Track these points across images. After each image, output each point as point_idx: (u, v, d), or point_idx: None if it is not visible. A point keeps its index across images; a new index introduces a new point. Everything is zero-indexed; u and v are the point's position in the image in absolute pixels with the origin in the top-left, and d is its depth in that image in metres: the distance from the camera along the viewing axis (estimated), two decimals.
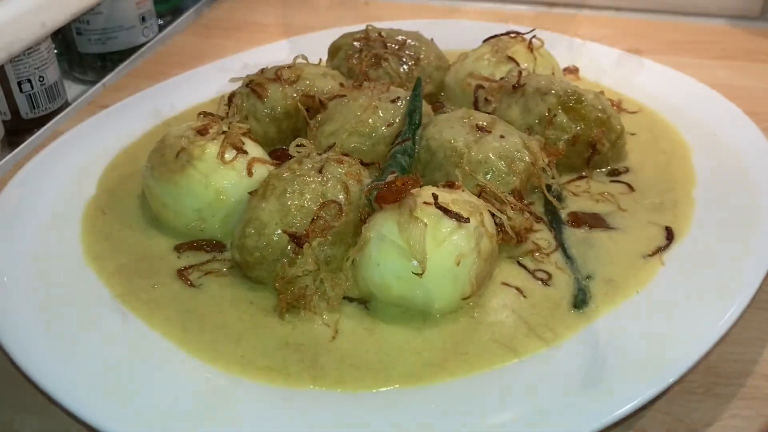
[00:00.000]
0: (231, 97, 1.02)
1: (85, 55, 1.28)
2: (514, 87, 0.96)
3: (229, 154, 0.84)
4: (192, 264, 0.81)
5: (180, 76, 1.16)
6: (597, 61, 1.21)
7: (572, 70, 1.19)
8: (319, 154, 0.83)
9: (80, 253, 0.83)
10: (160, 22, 1.43)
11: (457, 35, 1.22)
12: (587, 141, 0.91)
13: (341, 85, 1.03)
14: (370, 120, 0.93)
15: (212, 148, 0.84)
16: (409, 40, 1.11)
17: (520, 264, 0.79)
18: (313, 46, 1.15)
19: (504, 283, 0.77)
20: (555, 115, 0.91)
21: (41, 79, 1.10)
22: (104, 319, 0.73)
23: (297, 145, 0.84)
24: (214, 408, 0.63)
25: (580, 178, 0.93)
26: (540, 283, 0.77)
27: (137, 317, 0.74)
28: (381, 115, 0.93)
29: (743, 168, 0.91)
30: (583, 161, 0.92)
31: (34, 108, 1.11)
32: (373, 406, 0.64)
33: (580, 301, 0.74)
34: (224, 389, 0.66)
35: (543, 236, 0.83)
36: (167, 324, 0.73)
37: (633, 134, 1.02)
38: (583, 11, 1.55)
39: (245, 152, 0.85)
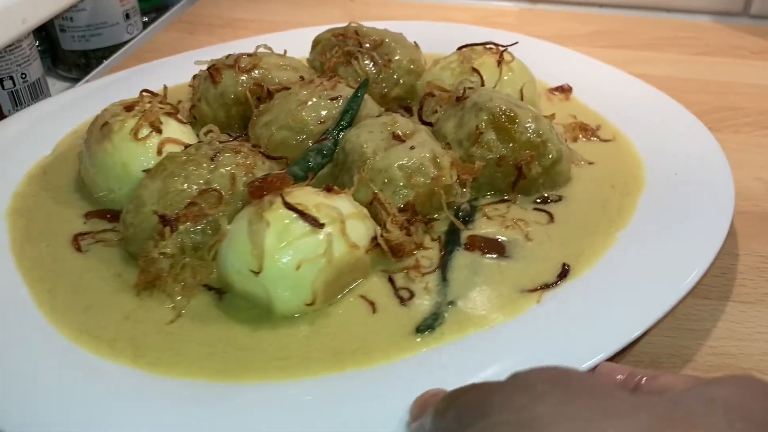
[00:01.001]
0: (194, 78, 1.06)
1: (69, 52, 1.30)
2: (457, 99, 0.92)
3: (143, 132, 0.87)
4: (90, 231, 0.85)
5: (155, 62, 1.21)
6: (588, 78, 1.14)
7: (565, 89, 1.12)
8: (222, 142, 0.84)
9: (4, 208, 0.89)
10: (145, 19, 1.46)
11: (449, 39, 1.18)
12: (514, 163, 0.86)
13: (301, 78, 1.03)
14: (303, 114, 0.92)
15: (130, 124, 0.87)
16: (387, 40, 1.09)
17: (390, 279, 0.76)
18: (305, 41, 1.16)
19: (362, 296, 0.74)
20: (482, 133, 0.86)
21: (23, 76, 1.11)
22: None
23: (206, 132, 0.86)
24: (29, 363, 0.66)
25: (503, 201, 0.87)
26: (398, 301, 0.74)
27: (18, 270, 0.79)
28: (315, 111, 0.93)
29: (688, 214, 0.82)
30: (508, 184, 0.87)
31: (17, 105, 1.13)
32: (168, 392, 0.64)
33: (426, 326, 0.70)
34: (52, 348, 0.69)
35: (431, 255, 0.80)
36: (40, 282, 0.77)
37: (591, 163, 0.95)
38: (567, 8, 1.57)
39: (160, 132, 0.88)
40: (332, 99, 0.94)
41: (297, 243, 0.69)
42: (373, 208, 0.79)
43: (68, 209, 0.89)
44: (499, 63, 1.01)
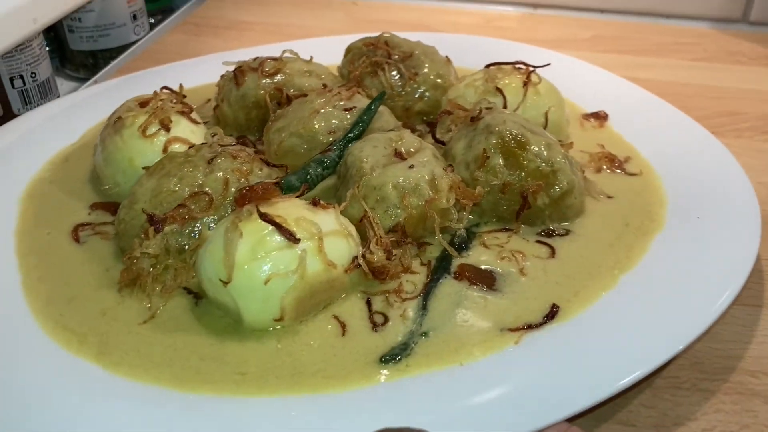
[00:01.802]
0: (221, 78, 1.06)
1: (77, 52, 1.32)
2: (471, 119, 0.89)
3: (152, 129, 0.88)
4: (91, 222, 0.86)
5: (208, 55, 1.23)
6: (627, 105, 1.08)
7: (600, 116, 1.06)
8: (223, 146, 0.84)
9: (20, 191, 0.92)
10: (151, 20, 1.48)
11: (488, 54, 1.14)
12: (519, 191, 0.82)
13: (324, 86, 1.02)
14: (314, 123, 0.91)
15: (141, 120, 0.88)
16: (417, 52, 1.07)
17: (368, 301, 0.74)
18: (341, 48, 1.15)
19: (335, 316, 0.72)
20: (488, 157, 0.82)
21: (33, 75, 1.13)
22: None
23: (212, 134, 0.86)
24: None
25: (505, 230, 0.83)
26: (371, 325, 0.71)
27: (16, 254, 0.81)
28: (326, 121, 0.91)
29: (701, 266, 0.75)
30: (512, 213, 0.83)
31: (27, 104, 1.14)
32: (119, 393, 0.64)
33: (391, 356, 0.67)
34: (25, 336, 0.70)
35: (417, 280, 0.77)
36: (34, 269, 0.79)
37: (610, 197, 0.89)
38: (568, 13, 1.57)
39: (168, 130, 0.88)
40: (346, 110, 0.93)
41: (270, 256, 0.68)
42: (363, 225, 0.77)
43: (78, 199, 0.91)
44: (525, 84, 0.96)
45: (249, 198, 0.72)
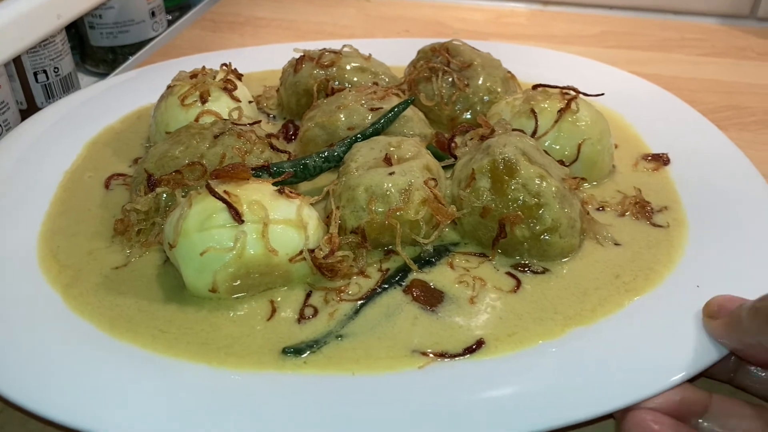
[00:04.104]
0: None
1: (97, 48, 1.35)
2: (480, 138, 0.86)
3: (189, 100, 0.96)
4: (125, 174, 0.96)
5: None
6: (697, 150, 0.98)
7: (660, 160, 0.97)
8: (237, 124, 0.89)
9: (89, 136, 1.04)
10: (169, 17, 1.51)
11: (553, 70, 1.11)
12: (498, 219, 0.78)
13: (375, 83, 1.04)
14: (337, 117, 0.94)
15: (184, 90, 0.97)
16: (476, 63, 1.04)
17: (308, 294, 0.75)
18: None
19: (272, 301, 0.75)
20: (475, 178, 0.79)
21: (56, 70, 1.16)
22: None
23: (233, 110, 0.93)
24: None
25: (481, 255, 0.80)
26: (294, 319, 0.73)
27: (56, 190, 0.92)
28: (348, 117, 0.94)
29: (667, 340, 0.68)
30: (490, 239, 0.79)
31: (49, 98, 1.18)
32: (62, 322, 0.72)
33: (296, 350, 0.69)
34: (20, 261, 0.80)
35: (367, 284, 0.76)
36: (61, 203, 0.90)
37: (617, 244, 0.82)
38: (576, 9, 1.60)
39: (204, 102, 0.96)
40: (372, 109, 0.94)
41: (212, 231, 0.72)
42: (327, 221, 0.79)
43: (129, 152, 1.01)
44: (560, 111, 0.90)
45: (218, 174, 0.76)
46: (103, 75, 1.33)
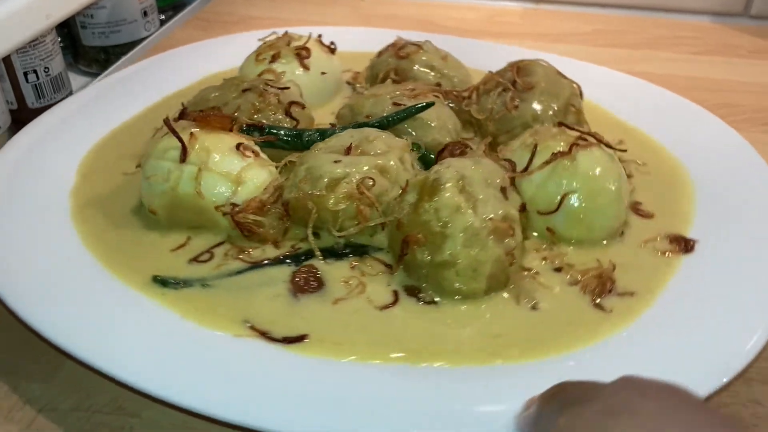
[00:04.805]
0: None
1: (89, 47, 1.32)
2: (452, 153, 0.83)
3: (261, 58, 1.08)
4: None
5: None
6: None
7: (684, 246, 0.82)
8: (268, 84, 0.97)
9: (138, 110, 1.09)
10: (162, 16, 1.43)
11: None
12: (403, 236, 0.75)
13: (438, 84, 1.04)
14: (367, 104, 0.97)
15: (262, 49, 1.10)
16: (537, 88, 0.96)
17: (220, 243, 0.82)
18: None
19: (189, 237, 0.82)
20: (405, 190, 0.78)
21: (46, 70, 1.14)
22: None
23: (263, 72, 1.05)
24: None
25: (387, 266, 0.79)
26: (190, 258, 0.80)
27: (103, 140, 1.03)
28: (370, 107, 0.96)
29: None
30: (396, 255, 0.77)
31: (40, 98, 1.15)
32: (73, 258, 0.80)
33: (162, 281, 0.76)
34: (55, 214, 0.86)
35: (269, 254, 0.80)
36: (92, 174, 0.94)
37: (535, 309, 0.73)
38: (569, 7, 1.59)
39: (272, 62, 1.07)
40: (395, 104, 0.95)
41: (161, 162, 0.82)
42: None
43: None
44: (555, 154, 0.81)
45: (196, 117, 0.86)
46: (96, 75, 1.31)
